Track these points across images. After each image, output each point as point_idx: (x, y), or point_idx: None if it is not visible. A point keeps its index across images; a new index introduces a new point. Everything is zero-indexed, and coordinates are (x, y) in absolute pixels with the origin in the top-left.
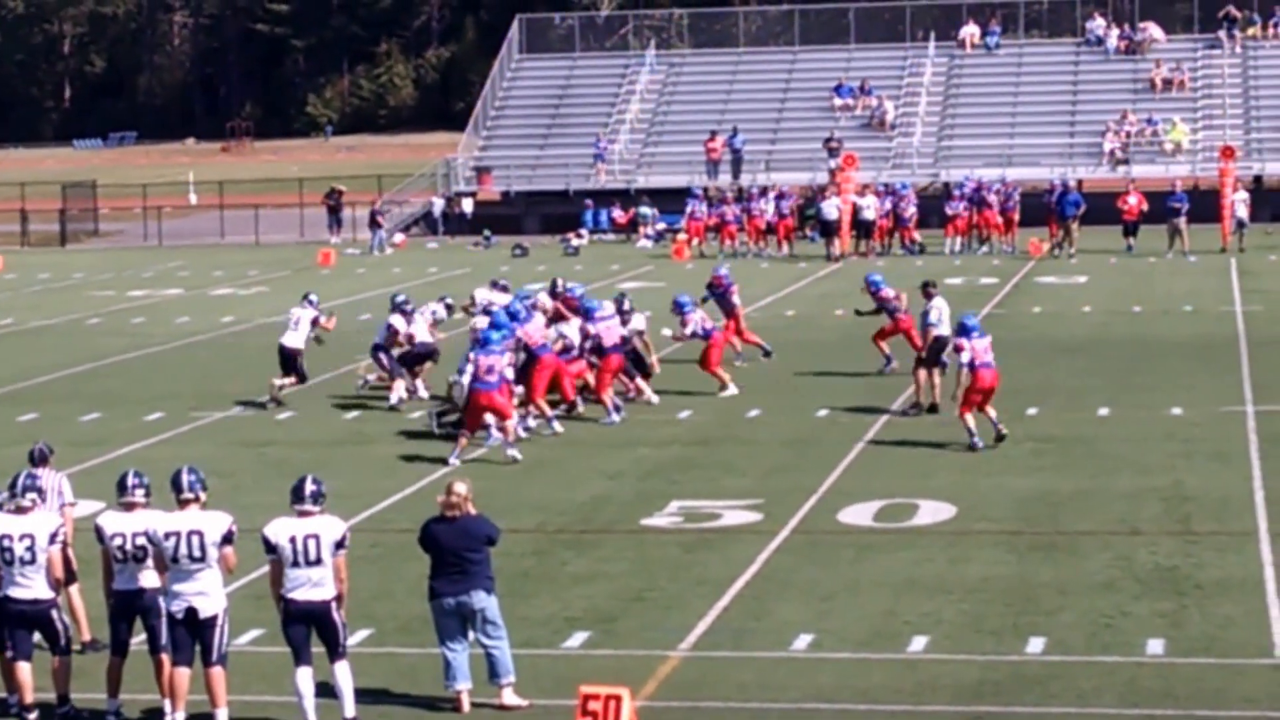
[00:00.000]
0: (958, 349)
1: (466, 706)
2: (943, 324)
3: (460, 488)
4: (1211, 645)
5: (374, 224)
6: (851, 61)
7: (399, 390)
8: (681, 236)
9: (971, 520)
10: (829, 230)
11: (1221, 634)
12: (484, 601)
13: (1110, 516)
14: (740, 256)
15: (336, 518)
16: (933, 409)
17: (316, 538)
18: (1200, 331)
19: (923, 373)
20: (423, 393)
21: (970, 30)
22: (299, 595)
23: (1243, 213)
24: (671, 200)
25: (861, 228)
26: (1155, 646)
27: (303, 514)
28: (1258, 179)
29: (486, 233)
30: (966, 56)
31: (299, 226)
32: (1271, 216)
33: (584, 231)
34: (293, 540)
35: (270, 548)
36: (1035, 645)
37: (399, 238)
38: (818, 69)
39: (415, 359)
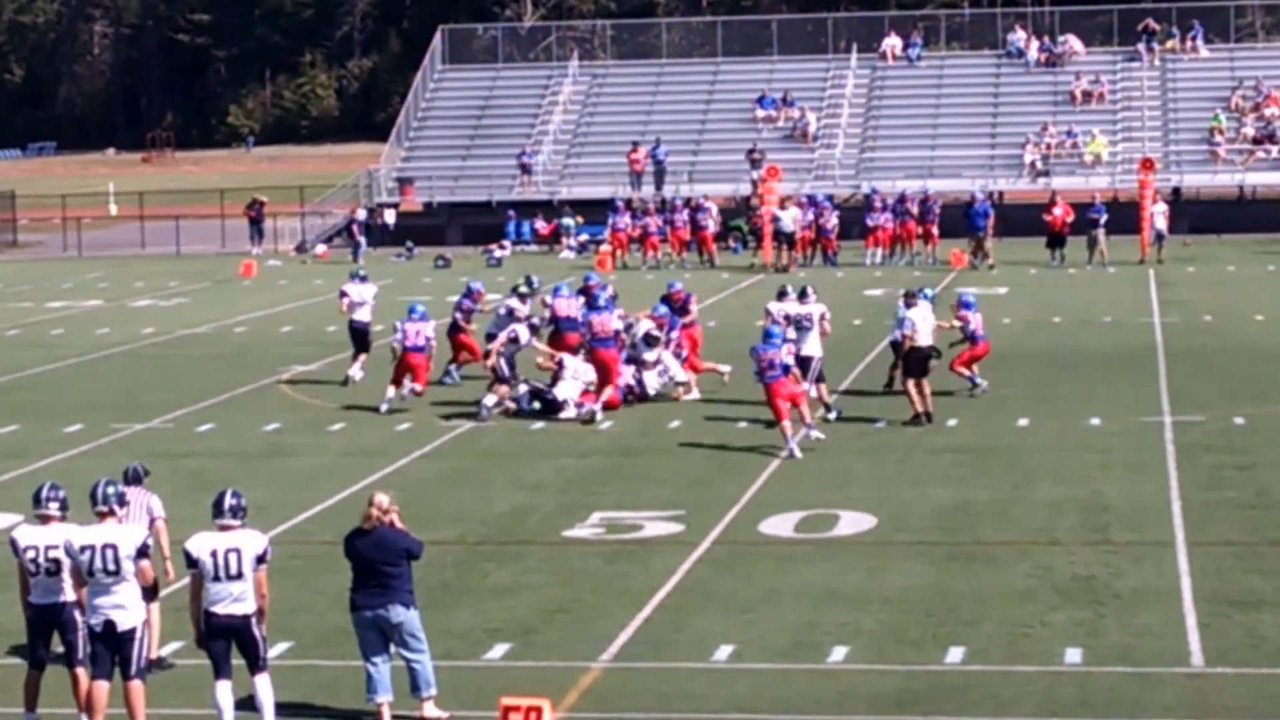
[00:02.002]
0: (962, 319)
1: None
2: (921, 334)
3: (381, 499)
4: (1129, 654)
5: (350, 234)
6: (774, 73)
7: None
8: (605, 248)
9: (891, 531)
10: (789, 240)
11: (1139, 643)
12: (402, 615)
13: (1029, 527)
14: (663, 268)
15: (258, 531)
16: (928, 417)
17: (238, 552)
18: (1119, 342)
19: (911, 383)
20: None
21: (892, 42)
22: (220, 609)
23: (1161, 224)
24: (595, 211)
25: (783, 239)
26: (1073, 656)
27: (223, 528)
28: (1176, 191)
29: (409, 244)
30: (888, 68)
31: (220, 237)
32: (1189, 228)
33: (507, 243)
34: (214, 554)
35: (191, 561)
36: (954, 655)
37: (320, 249)
38: (740, 80)
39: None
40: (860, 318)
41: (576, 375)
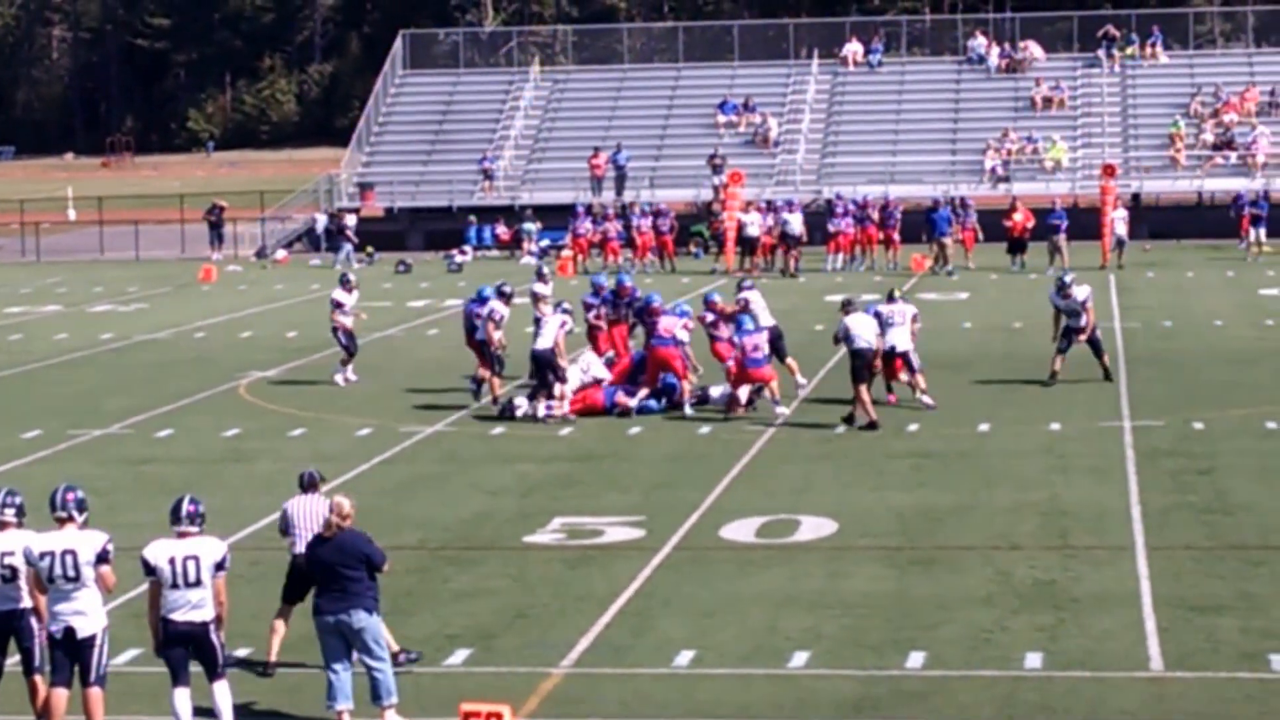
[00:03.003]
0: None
1: None
2: (859, 339)
3: (342, 504)
4: (1089, 659)
5: (341, 234)
6: (735, 78)
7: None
8: (566, 253)
9: (852, 536)
10: (752, 246)
11: (1099, 647)
12: (364, 621)
13: (989, 531)
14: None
15: (216, 539)
16: (867, 423)
17: (196, 559)
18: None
19: (862, 388)
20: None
21: (853, 48)
22: (178, 616)
23: (1122, 230)
24: (556, 217)
25: (746, 244)
26: (1033, 660)
27: (182, 535)
28: (1136, 197)
29: (370, 249)
30: (849, 74)
31: (180, 242)
32: (1150, 234)
33: (468, 248)
34: (172, 561)
35: (149, 569)
36: (915, 660)
37: (281, 254)
38: (702, 86)
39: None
40: (822, 323)
41: (587, 369)
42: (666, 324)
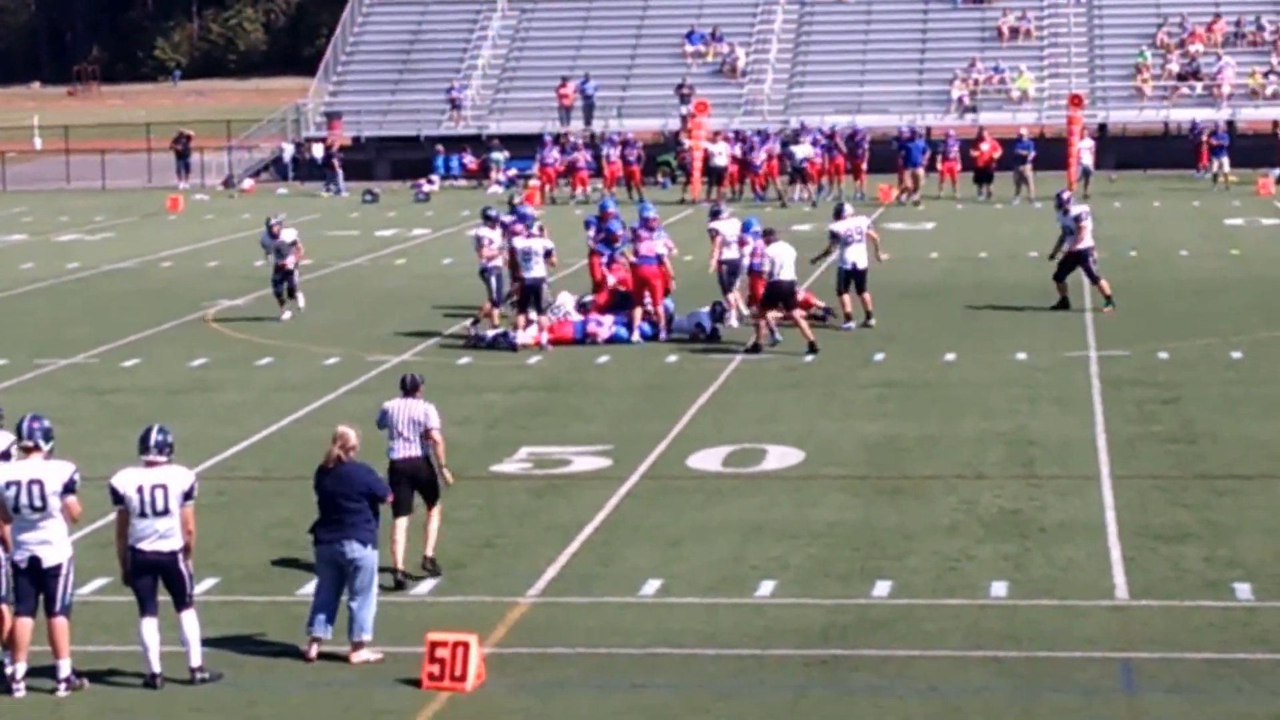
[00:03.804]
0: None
1: (313, 655)
2: (784, 269)
3: (349, 436)
4: (1054, 587)
5: (329, 166)
6: (703, 8)
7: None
8: (534, 183)
9: (819, 465)
10: (801, 174)
11: (1064, 576)
12: (357, 552)
13: (955, 461)
14: (590, 202)
15: (184, 468)
16: (755, 348)
17: (164, 488)
18: (1045, 278)
19: (765, 315)
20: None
21: None
22: (146, 546)
23: (1088, 160)
24: (524, 146)
25: (713, 174)
26: (999, 589)
27: (150, 464)
28: (1102, 127)
29: (328, 180)
30: (817, 4)
31: (146, 172)
32: (1116, 164)
33: (435, 178)
34: (140, 490)
35: (117, 498)
36: (881, 589)
37: (247, 183)
38: (669, 16)
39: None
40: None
41: (560, 307)
42: (648, 244)
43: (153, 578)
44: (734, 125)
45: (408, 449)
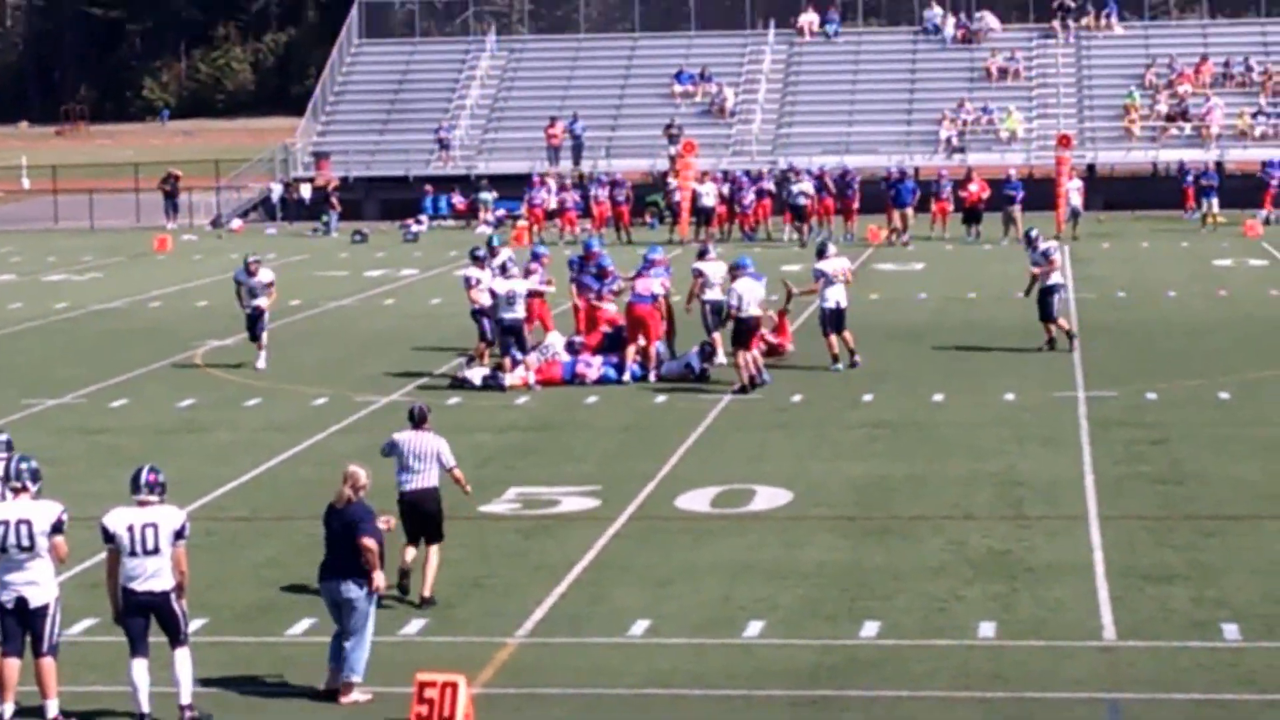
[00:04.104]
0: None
1: (323, 686)
2: (748, 308)
3: (359, 476)
4: (1042, 628)
5: (329, 204)
6: (692, 48)
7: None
8: (522, 223)
9: (807, 505)
10: (800, 213)
11: (1052, 617)
12: (352, 593)
13: (944, 501)
14: (579, 243)
15: (176, 507)
16: (744, 389)
17: (155, 527)
18: (1033, 318)
19: (739, 354)
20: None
21: (809, 18)
22: (138, 585)
23: (1077, 201)
24: (513, 186)
25: (701, 214)
26: (987, 630)
27: (142, 503)
28: (1091, 168)
29: (325, 218)
30: (806, 45)
31: (135, 212)
32: (1104, 205)
33: (424, 218)
34: (130, 529)
35: (108, 536)
36: (870, 629)
37: (236, 223)
38: (658, 56)
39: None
40: (776, 293)
41: (548, 349)
42: (644, 282)
43: (144, 618)
44: (722, 165)
45: (417, 481)
